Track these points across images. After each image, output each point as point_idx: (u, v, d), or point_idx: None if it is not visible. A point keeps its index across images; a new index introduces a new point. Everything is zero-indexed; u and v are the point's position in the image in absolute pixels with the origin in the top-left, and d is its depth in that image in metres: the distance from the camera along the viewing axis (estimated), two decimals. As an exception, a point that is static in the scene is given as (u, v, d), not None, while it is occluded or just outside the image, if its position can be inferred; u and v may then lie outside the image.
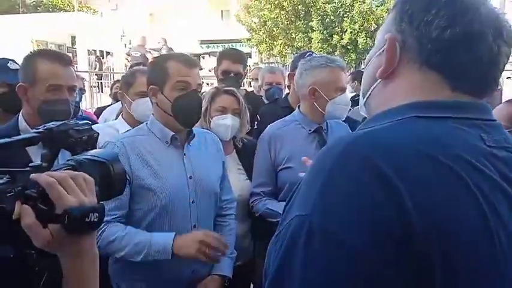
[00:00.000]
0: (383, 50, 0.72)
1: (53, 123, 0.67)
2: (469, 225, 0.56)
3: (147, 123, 1.73)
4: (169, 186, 1.60)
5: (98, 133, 0.72)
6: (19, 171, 0.62)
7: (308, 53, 2.62)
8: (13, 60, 2.13)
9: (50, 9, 25.34)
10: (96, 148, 0.71)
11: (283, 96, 3.14)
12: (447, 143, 0.61)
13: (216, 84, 2.86)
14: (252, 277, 2.17)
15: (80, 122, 0.69)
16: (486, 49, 0.66)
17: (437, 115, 0.65)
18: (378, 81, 0.74)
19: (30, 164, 0.64)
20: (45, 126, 0.65)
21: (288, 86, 3.19)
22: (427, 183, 0.56)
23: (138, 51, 10.05)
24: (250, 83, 7.34)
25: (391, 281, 0.53)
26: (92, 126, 0.76)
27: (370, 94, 0.77)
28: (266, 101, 3.34)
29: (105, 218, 1.47)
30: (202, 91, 2.96)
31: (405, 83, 0.70)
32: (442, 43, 0.66)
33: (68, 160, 0.66)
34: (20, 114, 1.61)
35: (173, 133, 1.66)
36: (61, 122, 0.67)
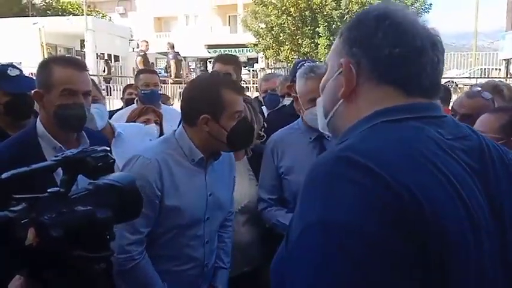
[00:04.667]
0: (339, 73, 0.82)
1: (70, 151, 0.68)
2: (453, 208, 0.65)
3: (174, 135, 1.68)
4: (192, 206, 1.61)
5: (114, 159, 0.73)
6: (37, 197, 0.64)
7: (301, 62, 2.68)
8: (13, 66, 2.13)
9: (60, 13, 25.60)
10: (113, 172, 0.73)
11: (284, 102, 3.20)
12: (415, 139, 0.71)
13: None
14: (259, 284, 2.17)
15: (98, 149, 0.70)
16: (429, 60, 0.77)
17: (399, 117, 0.74)
18: (340, 101, 0.83)
19: (48, 190, 0.65)
20: (63, 154, 0.67)
21: (287, 93, 3.22)
22: (412, 175, 0.64)
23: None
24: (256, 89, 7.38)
25: (406, 258, 0.60)
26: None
27: (333, 114, 0.86)
28: (267, 110, 3.39)
29: (136, 237, 1.53)
30: None
31: (366, 99, 0.79)
32: (392, 60, 0.76)
33: (88, 184, 0.68)
34: (38, 119, 1.63)
35: (202, 155, 1.63)
36: (78, 150, 0.68)
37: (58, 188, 0.66)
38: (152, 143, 1.90)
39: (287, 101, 3.19)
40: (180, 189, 1.58)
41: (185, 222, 1.59)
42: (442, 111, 0.79)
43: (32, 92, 1.61)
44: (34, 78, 1.71)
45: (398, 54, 0.75)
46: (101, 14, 27.35)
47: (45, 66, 1.60)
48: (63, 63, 1.59)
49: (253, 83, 13.67)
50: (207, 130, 1.59)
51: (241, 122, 1.62)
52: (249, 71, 18.61)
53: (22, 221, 0.61)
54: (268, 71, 16.96)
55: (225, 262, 1.82)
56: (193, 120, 1.60)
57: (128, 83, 6.86)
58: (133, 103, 3.38)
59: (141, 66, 10.41)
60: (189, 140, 1.63)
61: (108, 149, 0.72)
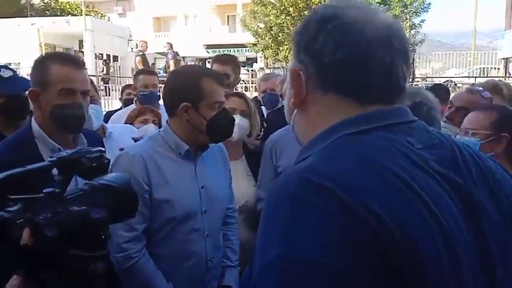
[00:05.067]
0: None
1: (65, 151, 0.69)
2: (425, 225, 0.60)
3: (160, 133, 1.72)
4: (184, 198, 1.61)
5: (109, 160, 0.74)
6: (33, 197, 0.64)
7: None
8: (6, 67, 2.10)
9: (58, 13, 25.59)
10: (107, 173, 0.73)
11: (284, 102, 3.17)
12: (383, 153, 0.64)
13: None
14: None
15: (93, 150, 0.71)
16: (378, 63, 0.69)
17: (364, 128, 0.68)
18: (295, 111, 0.79)
19: (44, 191, 0.66)
20: (58, 154, 0.67)
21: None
22: (380, 196, 0.59)
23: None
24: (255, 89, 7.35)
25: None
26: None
27: (292, 123, 0.82)
28: (266, 110, 3.39)
29: (131, 234, 1.53)
30: None
31: (317, 108, 0.74)
32: (334, 65, 0.70)
33: (83, 185, 0.69)
34: (33, 119, 1.55)
35: (188, 147, 1.66)
36: (73, 151, 0.69)
37: (53, 189, 0.67)
38: (139, 142, 1.93)
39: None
40: (169, 182, 1.60)
41: (179, 216, 1.60)
42: (410, 116, 0.73)
43: (29, 90, 1.54)
44: (29, 78, 1.65)
45: (341, 59, 0.69)
46: (99, 14, 27.34)
47: (41, 63, 1.52)
48: (61, 60, 1.51)
49: (252, 83, 13.67)
50: (186, 118, 1.62)
51: (221, 113, 1.63)
52: (248, 70, 18.61)
53: (17, 221, 0.62)
54: (267, 71, 16.97)
55: (233, 260, 1.82)
56: (174, 109, 1.65)
57: (127, 83, 6.85)
58: (132, 103, 3.39)
59: (140, 67, 10.42)
60: (174, 134, 1.66)
61: (103, 149, 0.73)
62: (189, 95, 1.61)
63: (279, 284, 0.56)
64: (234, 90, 2.98)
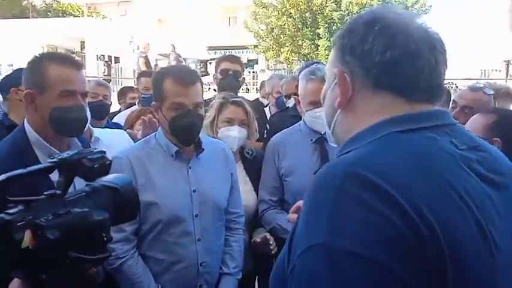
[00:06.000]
0: (335, 83, 0.80)
1: (66, 152, 0.68)
2: (467, 228, 0.63)
3: (155, 135, 1.73)
4: (172, 201, 1.61)
5: (111, 161, 0.73)
6: (34, 199, 0.64)
7: (314, 63, 2.63)
8: None
9: (60, 14, 25.63)
10: (108, 174, 0.73)
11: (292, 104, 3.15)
12: (430, 153, 0.68)
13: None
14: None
15: (94, 150, 0.70)
16: (425, 62, 0.73)
17: (412, 127, 0.71)
18: (338, 111, 0.81)
19: (45, 193, 0.65)
20: (59, 155, 0.67)
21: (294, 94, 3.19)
22: (426, 197, 0.61)
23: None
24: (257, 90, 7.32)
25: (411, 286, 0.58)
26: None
27: (334, 124, 0.84)
28: (276, 109, 3.36)
29: (120, 235, 1.53)
30: (208, 98, 3.04)
31: (364, 107, 0.77)
32: (385, 65, 0.73)
33: (85, 186, 0.68)
34: (25, 124, 1.47)
35: (177, 148, 1.66)
36: (74, 152, 0.68)
37: (54, 190, 0.66)
38: (132, 145, 1.94)
39: (290, 103, 3.18)
40: (157, 184, 1.61)
41: (167, 218, 1.60)
42: (451, 118, 0.77)
43: (24, 92, 1.44)
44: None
45: (391, 59, 0.73)
46: (101, 16, 27.37)
47: (37, 64, 1.44)
48: (59, 61, 1.44)
49: (254, 84, 13.66)
50: (157, 119, 1.67)
51: (179, 115, 1.61)
52: (249, 72, 18.61)
53: (18, 224, 0.61)
54: (269, 73, 16.94)
55: (230, 267, 1.78)
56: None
57: (127, 85, 6.80)
58: (135, 105, 3.39)
59: (143, 68, 10.45)
60: (164, 136, 1.68)
61: (105, 150, 0.72)
62: (155, 96, 1.66)
63: (325, 267, 0.59)
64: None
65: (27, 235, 0.61)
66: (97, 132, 2.11)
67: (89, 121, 1.59)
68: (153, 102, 1.69)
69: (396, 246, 0.58)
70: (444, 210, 0.61)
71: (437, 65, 0.75)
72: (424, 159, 0.66)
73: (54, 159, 0.67)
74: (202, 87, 1.72)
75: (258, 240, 1.93)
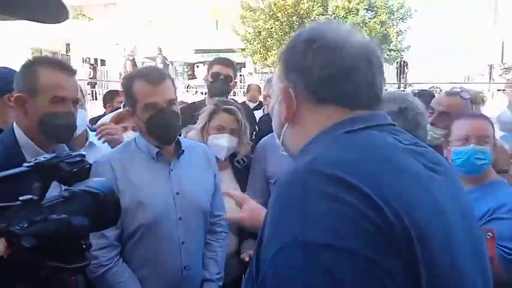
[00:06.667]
0: (281, 99, 0.83)
1: (43, 156, 0.65)
2: (426, 205, 0.67)
3: (135, 139, 1.71)
4: (155, 204, 1.58)
5: (91, 164, 0.70)
6: (8, 205, 0.60)
7: None
8: None
9: (45, 17, 25.24)
10: (88, 178, 0.70)
11: None
12: (380, 145, 0.73)
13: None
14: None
15: (73, 154, 0.67)
16: (362, 77, 0.78)
17: (359, 127, 0.75)
18: (286, 125, 0.85)
19: (20, 198, 0.62)
20: (36, 159, 0.64)
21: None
22: (387, 184, 0.65)
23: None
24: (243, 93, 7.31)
25: (397, 276, 0.60)
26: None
27: (283, 137, 0.87)
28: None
29: (102, 241, 1.50)
30: (197, 101, 3.00)
31: (310, 119, 0.81)
32: (324, 81, 0.77)
33: (63, 191, 0.65)
34: (14, 127, 1.46)
35: (157, 149, 1.64)
36: (52, 155, 0.65)
37: (30, 196, 0.63)
38: (113, 149, 1.87)
39: None
40: (138, 188, 1.58)
41: (147, 222, 1.57)
42: (390, 120, 0.82)
43: (14, 95, 1.44)
44: None
45: (328, 75, 0.77)
46: (87, 18, 27.09)
47: (29, 68, 1.45)
48: (51, 66, 1.44)
49: (241, 88, 13.67)
50: (134, 123, 1.65)
51: (154, 115, 1.59)
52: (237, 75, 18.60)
53: None
54: (256, 76, 16.99)
55: (212, 273, 1.75)
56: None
57: (113, 89, 6.71)
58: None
59: (130, 71, 10.37)
60: (143, 138, 1.66)
61: (84, 153, 0.69)
62: (128, 100, 1.65)
63: (302, 264, 0.59)
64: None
65: (1, 244, 0.58)
66: (93, 136, 2.07)
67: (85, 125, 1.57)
68: (126, 108, 1.66)
69: (368, 233, 0.60)
70: (403, 192, 0.65)
71: (374, 79, 0.79)
72: (376, 149, 0.71)
73: (31, 163, 0.64)
74: (174, 84, 1.69)
75: (247, 259, 1.91)
